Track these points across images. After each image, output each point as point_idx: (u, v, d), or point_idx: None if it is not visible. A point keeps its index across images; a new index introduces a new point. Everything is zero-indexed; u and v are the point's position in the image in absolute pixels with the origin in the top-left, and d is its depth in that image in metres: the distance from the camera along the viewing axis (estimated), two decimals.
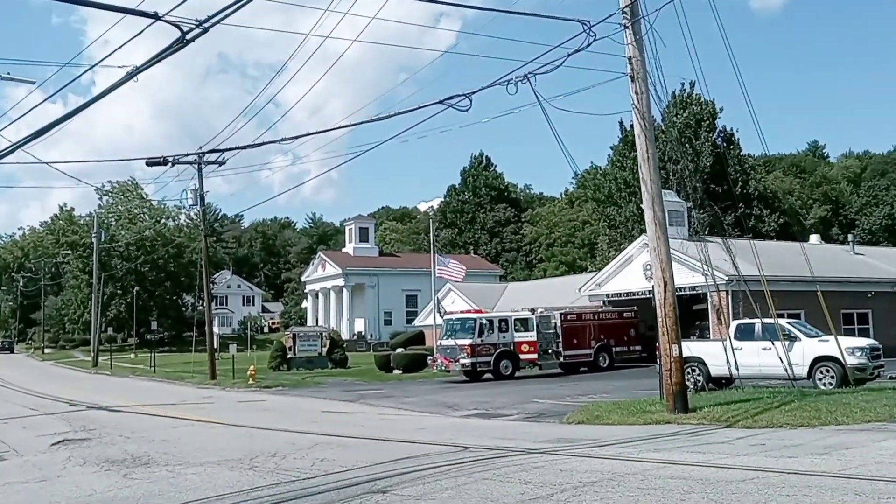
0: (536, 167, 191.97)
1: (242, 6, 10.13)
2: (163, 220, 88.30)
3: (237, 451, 13.35)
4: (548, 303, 37.38)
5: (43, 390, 35.46)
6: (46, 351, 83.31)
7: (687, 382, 20.77)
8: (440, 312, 39.69)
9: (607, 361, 34.79)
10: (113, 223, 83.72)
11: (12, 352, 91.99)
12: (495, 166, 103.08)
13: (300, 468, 11.18)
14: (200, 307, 67.82)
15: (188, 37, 10.52)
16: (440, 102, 17.17)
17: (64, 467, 12.65)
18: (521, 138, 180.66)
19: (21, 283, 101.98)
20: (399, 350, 43.58)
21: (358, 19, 18.95)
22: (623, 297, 37.64)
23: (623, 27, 16.29)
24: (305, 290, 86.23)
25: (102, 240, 68.69)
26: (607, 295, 39.09)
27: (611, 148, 68.41)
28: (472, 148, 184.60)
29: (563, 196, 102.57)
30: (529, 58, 16.07)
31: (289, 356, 43.22)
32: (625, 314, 36.31)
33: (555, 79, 16.17)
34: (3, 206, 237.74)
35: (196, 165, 34.96)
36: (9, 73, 21.69)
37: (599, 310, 37.22)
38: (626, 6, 16.21)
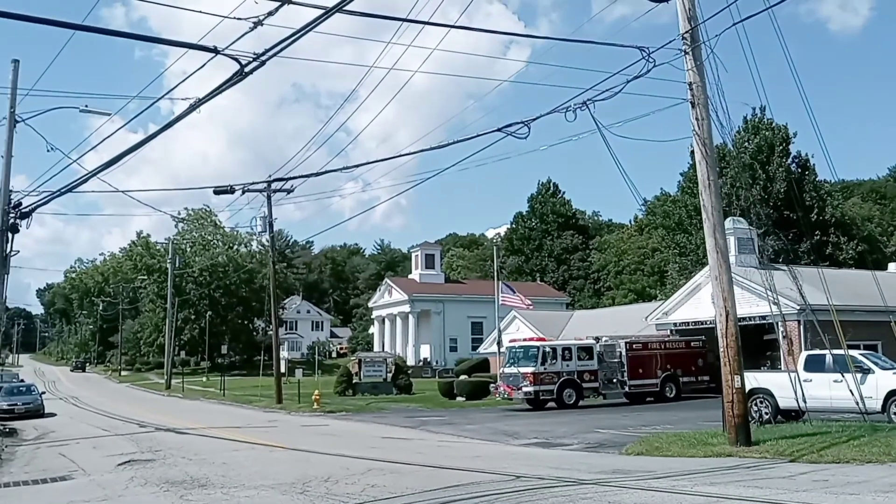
0: (605, 193, 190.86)
1: (297, 40, 10.42)
2: (235, 247, 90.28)
3: (292, 475, 13.51)
4: (614, 331, 36.90)
5: (116, 411, 36.52)
6: (123, 373, 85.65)
7: (753, 414, 20.35)
8: (499, 342, 39.55)
9: (674, 392, 34.09)
10: (188, 249, 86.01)
11: (84, 370, 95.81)
12: (563, 193, 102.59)
13: (350, 493, 11.26)
14: (270, 332, 68.98)
15: (247, 69, 10.85)
16: (499, 130, 17.29)
17: (126, 487, 13.00)
18: (590, 165, 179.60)
19: (101, 307, 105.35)
20: (463, 377, 43.49)
21: (428, 48, 19.24)
22: (691, 326, 36.89)
23: (683, 53, 16.17)
24: (373, 316, 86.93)
25: (177, 265, 70.66)
26: (674, 324, 38.36)
27: (681, 174, 67.54)
28: (541, 174, 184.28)
29: (633, 223, 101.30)
30: (589, 85, 16.05)
31: (354, 381, 43.56)
32: (692, 343, 35.59)
33: (615, 105, 16.17)
34: (87, 232, 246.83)
35: (265, 193, 35.77)
36: (86, 106, 22.70)
37: (666, 339, 36.56)
38: (686, 32, 16.10)
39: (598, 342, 33.94)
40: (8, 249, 23.71)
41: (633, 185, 25.24)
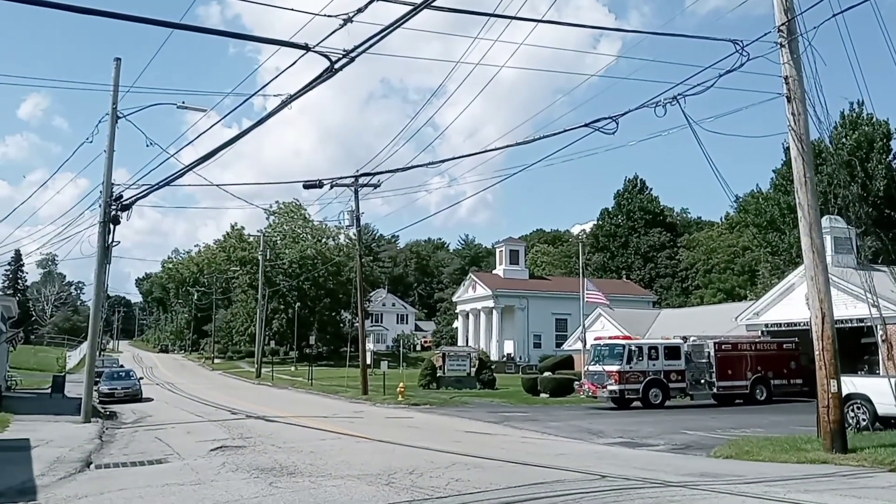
0: (694, 190, 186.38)
1: (385, 36, 10.54)
2: (323, 240, 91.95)
3: (378, 466, 13.71)
4: (702, 331, 36.13)
5: (209, 398, 37.73)
6: (216, 361, 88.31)
7: (850, 420, 19.63)
8: (583, 340, 39.18)
9: (765, 394, 33.20)
10: (278, 242, 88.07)
11: (167, 353, 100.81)
12: (650, 189, 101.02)
13: (435, 486, 11.35)
14: (357, 324, 70.08)
15: (336, 66, 11.04)
16: (587, 125, 17.14)
17: (218, 472, 13.42)
18: (678, 161, 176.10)
19: (195, 297, 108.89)
20: (547, 374, 43.33)
21: (516, 41, 19.20)
22: (783, 328, 35.80)
23: (779, 46, 15.67)
24: (457, 311, 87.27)
25: (268, 257, 72.45)
26: (766, 325, 37.28)
27: (773, 171, 65.50)
28: (628, 170, 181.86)
29: (723, 221, 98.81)
30: (680, 79, 15.76)
31: (438, 375, 43.90)
32: (784, 345, 34.57)
33: (706, 100, 15.80)
34: (183, 224, 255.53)
35: (352, 188, 36.34)
36: (184, 102, 23.47)
37: (757, 340, 35.57)
38: (783, 24, 15.59)
39: (685, 342, 33.32)
40: (110, 240, 24.77)
41: (724, 182, 24.62)
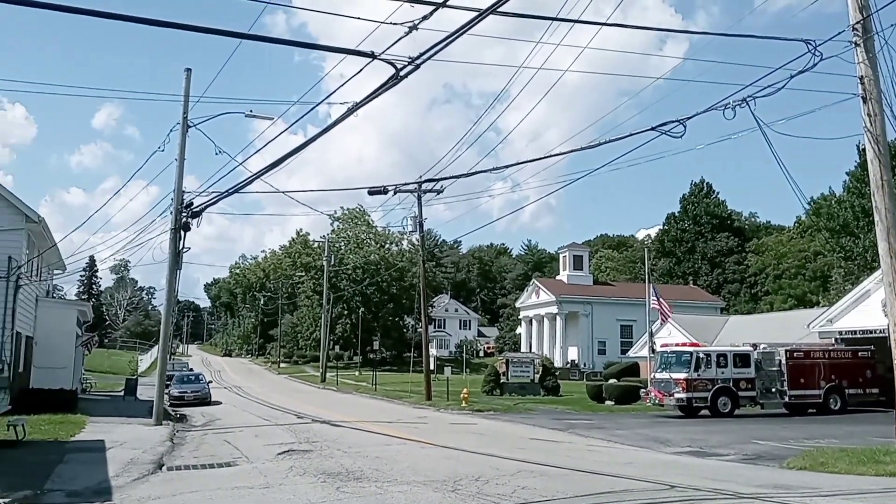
0: (763, 194, 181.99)
1: (450, 43, 10.55)
2: (387, 246, 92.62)
3: (443, 472, 13.71)
4: (772, 338, 35.23)
5: (275, 402, 38.28)
6: (282, 365, 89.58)
7: None
8: (652, 348, 38.56)
9: (839, 404, 32.17)
10: (342, 247, 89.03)
11: (230, 356, 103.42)
12: (717, 193, 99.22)
13: (501, 494, 11.30)
14: (420, 329, 70.37)
15: (402, 73, 11.10)
16: (653, 129, 16.94)
17: (286, 476, 13.59)
18: (746, 163, 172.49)
19: (262, 302, 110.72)
20: (612, 381, 42.80)
21: (580, 45, 19.08)
22: (858, 335, 34.69)
23: (853, 45, 15.27)
24: (520, 317, 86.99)
25: (332, 263, 73.28)
26: (840, 332, 36.17)
27: (847, 173, 63.75)
28: (694, 174, 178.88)
29: (794, 225, 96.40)
30: (749, 81, 15.45)
31: (502, 381, 43.75)
32: (860, 353, 33.48)
33: (776, 102, 15.45)
34: (250, 230, 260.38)
35: (415, 194, 36.53)
36: (251, 111, 23.93)
37: (830, 347, 34.52)
38: (857, 22, 15.18)
39: (755, 349, 32.52)
40: (180, 246, 25.34)
41: (796, 186, 23.94)
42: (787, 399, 31.91)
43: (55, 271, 38.24)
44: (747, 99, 15.42)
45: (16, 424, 18.48)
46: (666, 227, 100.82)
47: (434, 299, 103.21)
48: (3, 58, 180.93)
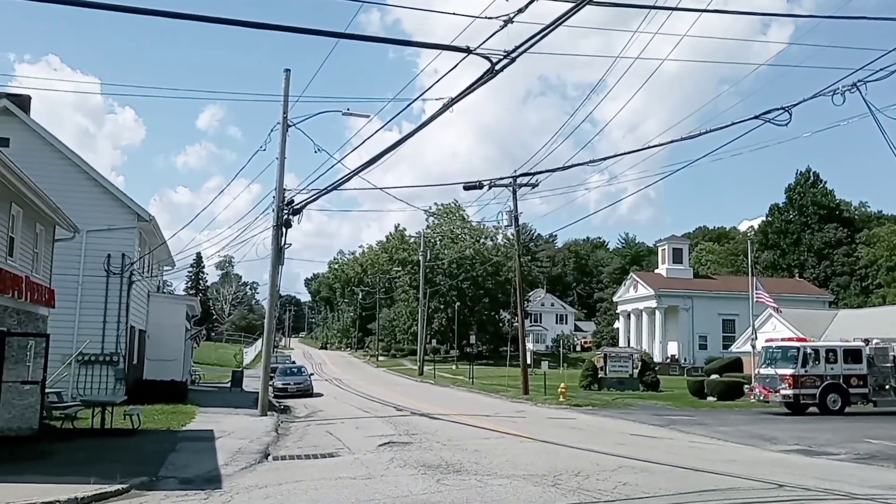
0: (874, 182, 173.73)
1: (545, 36, 10.49)
2: (481, 240, 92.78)
3: (542, 467, 13.69)
4: (885, 333, 33.75)
5: (375, 394, 38.92)
6: (380, 358, 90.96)
7: None
8: (753, 342, 37.41)
9: None
10: (437, 242, 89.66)
11: (326, 349, 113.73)
12: (824, 182, 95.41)
13: (602, 490, 11.21)
14: (516, 323, 70.28)
15: (497, 67, 11.10)
16: (756, 117, 16.47)
17: (387, 468, 13.83)
18: (857, 151, 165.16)
19: (360, 296, 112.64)
20: (713, 376, 41.76)
21: (679, 32, 18.70)
22: None
23: None
24: (617, 311, 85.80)
25: (428, 258, 73.89)
26: None
27: None
28: (800, 163, 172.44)
29: None
30: (860, 64, 14.81)
31: (600, 376, 43.28)
32: None
33: (890, 86, 14.75)
34: (347, 226, 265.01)
35: (510, 188, 36.44)
36: (348, 109, 24.35)
37: None
38: None
39: (867, 344, 31.18)
40: (282, 242, 26.01)
41: None
42: None
43: (165, 267, 39.89)
44: (858, 83, 14.79)
45: (132, 414, 19.41)
46: (770, 219, 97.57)
47: (530, 293, 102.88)
48: (115, 62, 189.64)
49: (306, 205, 25.51)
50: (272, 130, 26.46)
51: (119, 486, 11.40)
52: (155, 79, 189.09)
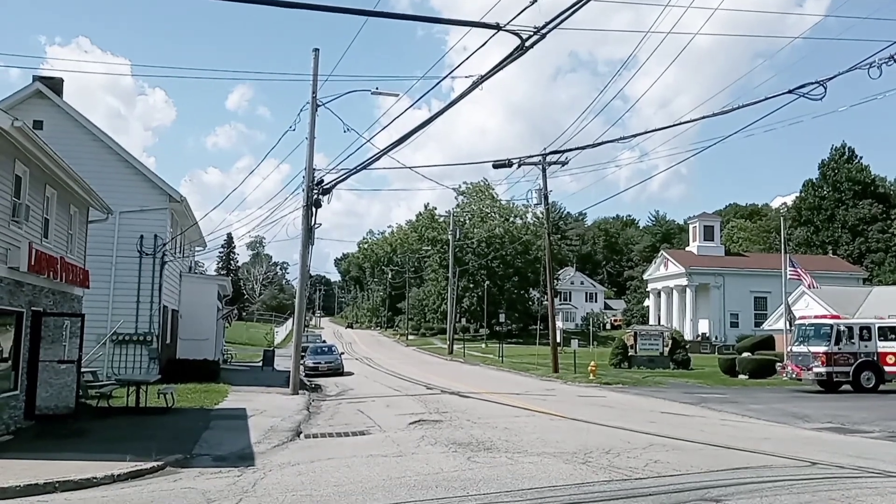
0: None
1: (575, 11, 10.36)
2: (511, 219, 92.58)
3: (572, 444, 13.68)
4: None
5: (405, 373, 39.13)
6: (410, 337, 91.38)
7: None
8: (789, 320, 36.99)
9: None
10: (467, 221, 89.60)
11: (352, 328, 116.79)
12: (860, 158, 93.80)
13: (633, 467, 11.18)
14: (545, 302, 70.19)
15: (527, 44, 10.99)
16: (790, 92, 16.23)
17: (418, 445, 13.90)
18: (893, 125, 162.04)
19: (389, 276, 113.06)
20: (745, 354, 41.42)
21: (712, 6, 18.40)
22: None
23: None
24: (647, 289, 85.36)
25: (457, 237, 73.91)
26: None
27: None
28: (834, 138, 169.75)
29: None
30: None
31: (630, 354, 43.13)
32: None
33: None
34: (377, 206, 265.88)
35: (540, 166, 36.25)
36: (377, 88, 24.33)
37: None
38: None
39: None
40: (312, 222, 26.12)
41: None
42: None
43: (196, 248, 40.25)
44: (895, 56, 14.47)
45: (166, 393, 19.68)
46: (803, 195, 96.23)
47: (559, 272, 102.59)
48: (144, 44, 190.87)
49: (336, 184, 25.58)
50: (301, 110, 26.56)
51: (154, 464, 11.57)
52: (185, 59, 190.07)
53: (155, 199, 28.11)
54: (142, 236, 27.61)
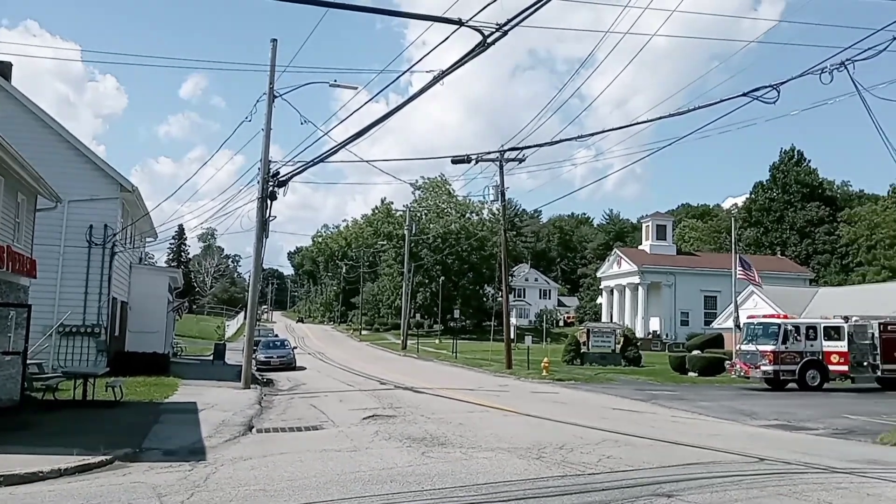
0: (857, 161, 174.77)
1: (538, 9, 10.37)
2: (467, 215, 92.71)
3: (527, 440, 13.75)
4: (865, 311, 34.07)
5: (358, 368, 38.96)
6: (363, 332, 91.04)
7: None
8: (737, 322, 37.64)
9: None
10: (423, 217, 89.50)
11: (303, 322, 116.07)
12: (808, 161, 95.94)
13: (586, 463, 11.28)
14: (500, 298, 70.44)
15: (489, 40, 10.98)
16: (745, 95, 16.46)
17: (372, 440, 13.85)
18: (839, 130, 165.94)
19: (344, 270, 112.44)
20: (695, 352, 42.09)
21: (669, 7, 18.58)
22: None
23: None
24: (600, 287, 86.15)
25: (414, 232, 73.79)
26: None
27: None
28: (784, 141, 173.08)
29: (889, 194, 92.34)
30: (849, 43, 14.80)
31: (582, 351, 43.55)
32: None
33: (877, 65, 14.77)
34: (332, 199, 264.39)
35: (497, 163, 36.33)
36: (335, 80, 24.13)
37: None
38: None
39: (847, 322, 31.48)
40: (267, 215, 25.84)
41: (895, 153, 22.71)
42: (879, 373, 30.90)
43: (147, 239, 39.55)
44: (846, 62, 14.79)
45: (114, 386, 19.31)
46: (754, 196, 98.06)
47: (514, 269, 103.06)
48: (96, 28, 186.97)
49: (292, 177, 25.33)
50: (258, 101, 26.19)
51: (102, 458, 11.34)
52: (137, 46, 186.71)
53: (106, 188, 27.49)
54: (91, 226, 27.00)
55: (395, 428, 15.60)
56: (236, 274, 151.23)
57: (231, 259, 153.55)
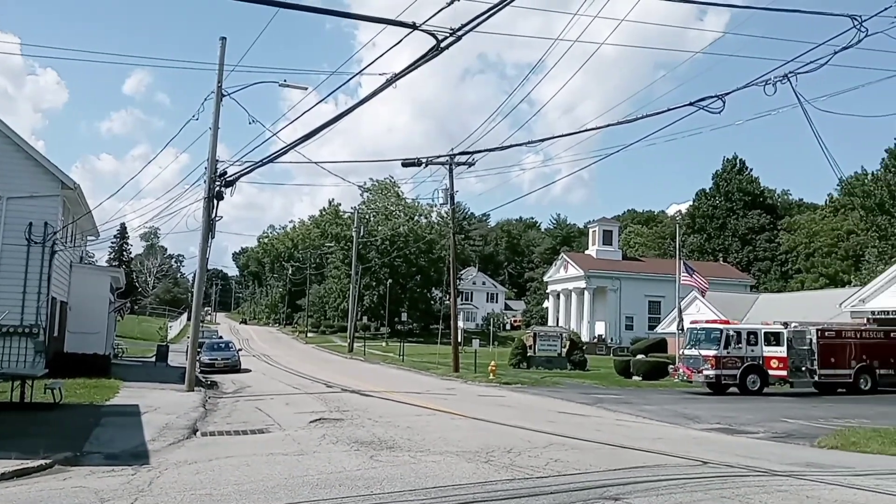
0: (796, 171, 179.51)
1: (493, 14, 10.43)
2: (416, 218, 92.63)
3: (475, 443, 13.79)
4: (803, 317, 34.96)
5: (304, 371, 38.65)
6: (309, 335, 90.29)
7: None
8: (680, 327, 38.29)
9: (869, 384, 31.93)
10: (371, 219, 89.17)
11: (246, 323, 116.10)
12: (750, 170, 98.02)
13: (534, 466, 11.35)
14: (447, 301, 70.46)
15: (443, 44, 11.00)
16: (691, 104, 16.72)
17: (319, 444, 13.74)
18: (780, 140, 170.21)
19: (290, 272, 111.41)
20: (640, 356, 42.72)
21: (618, 16, 18.83)
22: (891, 316, 34.34)
23: None
24: (547, 291, 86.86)
25: (361, 234, 73.44)
26: (872, 312, 35.80)
27: (885, 151, 62.86)
28: (727, 150, 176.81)
29: (827, 203, 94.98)
30: (791, 56, 15.16)
31: (529, 355, 43.81)
32: (892, 334, 33.05)
33: (818, 78, 15.18)
34: (279, 199, 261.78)
35: (447, 166, 36.41)
36: (285, 80, 23.96)
37: (862, 328, 34.15)
38: None
39: (786, 328, 32.26)
40: (213, 215, 25.50)
41: (835, 163, 23.41)
42: (817, 378, 31.71)
43: (88, 238, 38.68)
44: (789, 75, 15.12)
45: (53, 388, 18.83)
46: (697, 203, 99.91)
47: (462, 272, 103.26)
48: (34, 22, 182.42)
49: (240, 177, 25.05)
50: (206, 100, 25.92)
51: (42, 462, 11.06)
52: (79, 40, 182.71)
53: (46, 185, 26.75)
54: (31, 224, 26.25)
55: (342, 431, 15.51)
56: (179, 274, 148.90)
57: (174, 259, 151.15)
